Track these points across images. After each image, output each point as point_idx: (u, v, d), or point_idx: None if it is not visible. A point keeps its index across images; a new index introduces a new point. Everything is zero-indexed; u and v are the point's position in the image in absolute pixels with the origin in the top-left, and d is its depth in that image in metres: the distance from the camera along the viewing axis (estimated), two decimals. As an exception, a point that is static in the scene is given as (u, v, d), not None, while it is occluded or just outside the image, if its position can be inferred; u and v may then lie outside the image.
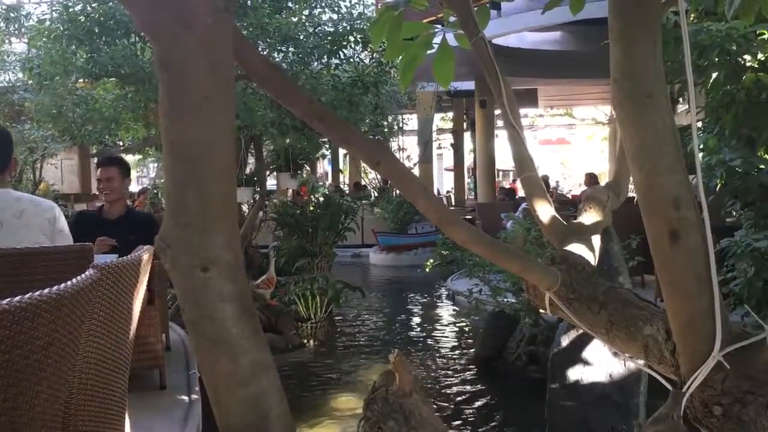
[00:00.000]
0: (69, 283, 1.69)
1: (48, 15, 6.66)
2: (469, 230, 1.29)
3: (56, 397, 1.76)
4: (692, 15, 4.89)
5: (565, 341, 3.34)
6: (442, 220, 1.23)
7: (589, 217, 1.76)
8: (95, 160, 17.79)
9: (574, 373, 3.30)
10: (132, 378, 2.84)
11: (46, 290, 1.56)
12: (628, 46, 1.13)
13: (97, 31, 5.92)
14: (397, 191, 16.61)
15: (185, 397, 4.11)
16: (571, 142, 34.01)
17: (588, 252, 1.62)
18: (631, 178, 1.30)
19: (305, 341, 7.10)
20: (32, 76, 6.64)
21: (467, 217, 11.86)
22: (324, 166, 26.14)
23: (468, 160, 21.47)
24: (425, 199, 1.24)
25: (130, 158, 12.06)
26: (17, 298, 1.45)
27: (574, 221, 1.75)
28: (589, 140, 31.04)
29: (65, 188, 15.51)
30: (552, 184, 23.53)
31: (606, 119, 23.22)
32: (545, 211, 1.70)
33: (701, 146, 4.91)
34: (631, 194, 2.09)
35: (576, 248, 1.59)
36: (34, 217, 2.82)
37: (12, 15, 8.09)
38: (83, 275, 1.80)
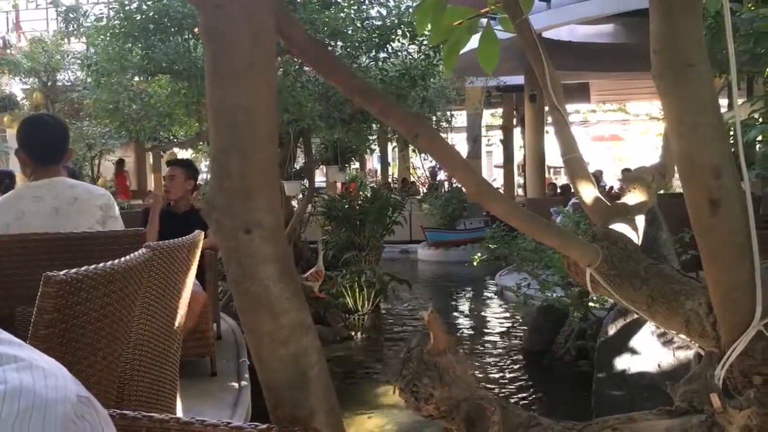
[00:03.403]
0: (122, 259, 1.77)
1: (105, 13, 6.88)
2: (508, 204, 1.30)
3: (111, 369, 1.84)
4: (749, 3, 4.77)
5: (612, 330, 3.29)
6: (481, 194, 1.24)
7: (633, 197, 1.74)
8: (150, 158, 18.28)
9: (622, 363, 3.25)
10: (184, 365, 2.93)
11: (101, 264, 1.64)
12: (668, 16, 1.13)
13: (151, 28, 6.09)
14: (446, 187, 16.57)
15: (235, 384, 4.21)
16: (624, 139, 33.24)
17: (631, 231, 1.61)
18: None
19: (353, 333, 7.16)
20: (90, 74, 6.87)
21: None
22: (373, 163, 26.28)
23: (518, 156, 21.26)
24: (464, 173, 1.25)
25: (183, 154, 12.34)
26: (73, 270, 1.53)
27: (618, 202, 1.74)
28: (644, 136, 30.32)
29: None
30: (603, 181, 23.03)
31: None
32: (589, 192, 1.69)
33: (759, 137, 4.77)
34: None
35: (619, 227, 1.58)
36: (87, 203, 2.92)
37: (71, 15, 8.34)
38: (135, 253, 1.88)
